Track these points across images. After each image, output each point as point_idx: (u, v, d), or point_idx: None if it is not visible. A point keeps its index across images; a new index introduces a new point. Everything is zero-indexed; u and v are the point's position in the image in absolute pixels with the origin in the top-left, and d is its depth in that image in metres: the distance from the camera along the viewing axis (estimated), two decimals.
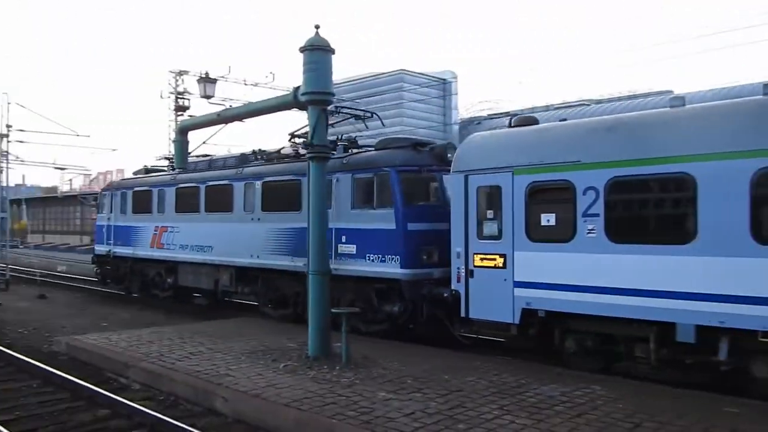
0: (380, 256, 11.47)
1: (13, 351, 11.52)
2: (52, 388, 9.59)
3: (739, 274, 7.28)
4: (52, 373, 10.04)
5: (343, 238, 12.03)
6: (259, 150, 15.07)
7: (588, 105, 26.23)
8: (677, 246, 7.78)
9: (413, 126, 28.15)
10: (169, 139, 28.84)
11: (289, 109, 11.46)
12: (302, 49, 10.29)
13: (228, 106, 15.54)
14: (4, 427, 7.29)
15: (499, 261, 9.58)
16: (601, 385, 8.42)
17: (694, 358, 7.97)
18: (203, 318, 15.06)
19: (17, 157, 27.27)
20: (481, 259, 9.85)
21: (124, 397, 8.63)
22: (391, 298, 11.56)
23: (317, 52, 10.27)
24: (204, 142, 17.04)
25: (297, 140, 13.36)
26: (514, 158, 9.41)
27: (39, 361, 10.70)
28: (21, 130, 25.16)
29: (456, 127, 29.83)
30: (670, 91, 23.01)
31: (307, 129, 10.36)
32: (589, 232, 8.63)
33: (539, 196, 9.15)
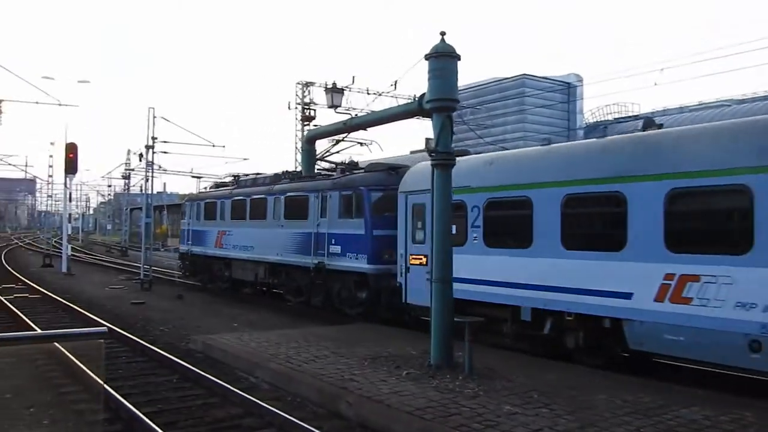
0: (355, 254, 15.08)
1: (156, 347, 12.32)
2: (189, 383, 10.09)
3: (555, 271, 10.36)
4: (189, 369, 10.57)
5: (333, 241, 15.70)
6: (285, 171, 19.44)
7: (729, 105, 24.37)
8: (521, 250, 11.00)
9: (536, 132, 27.45)
10: (296, 147, 29.85)
11: (414, 116, 11.50)
12: (428, 57, 10.28)
13: (353, 116, 15.82)
14: (150, 419, 7.78)
15: (424, 260, 12.79)
16: (752, 411, 7.84)
17: (531, 332, 11.10)
18: (325, 323, 15.43)
19: (159, 167, 29.47)
20: (414, 259, 13.23)
21: (254, 397, 8.94)
22: (362, 287, 15.02)
23: (443, 59, 10.23)
24: (328, 151, 17.43)
25: (323, 163, 17.50)
26: None
27: (178, 358, 11.31)
28: (164, 142, 27.15)
29: (581, 132, 28.71)
30: None
31: (330, 153, 14.70)
32: (474, 239, 11.97)
33: None
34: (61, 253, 43.23)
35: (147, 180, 25.11)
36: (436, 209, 10.25)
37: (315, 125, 28.91)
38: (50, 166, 39.70)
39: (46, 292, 21.89)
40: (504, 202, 11.53)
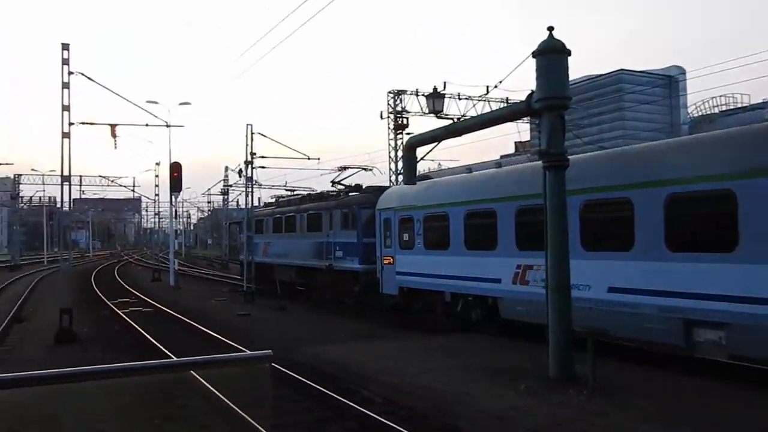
0: (351, 257, 20.34)
1: None
2: (301, 396, 9.98)
3: (462, 265, 14.78)
4: (301, 382, 10.52)
5: (337, 247, 21.09)
6: (308, 193, 25.63)
7: None
8: (443, 251, 15.44)
9: (635, 129, 26.05)
10: (389, 156, 29.81)
11: (522, 117, 11.09)
12: (535, 54, 9.85)
13: (453, 121, 15.59)
14: None
15: (391, 260, 17.74)
16: None
17: (449, 312, 15.42)
18: (429, 333, 15.19)
19: (256, 181, 30.25)
20: (385, 260, 18.05)
21: (368, 410, 8.76)
22: (356, 282, 20.34)
23: (551, 56, 9.76)
24: (422, 158, 17.50)
25: (337, 186, 23.79)
26: (396, 203, 17.76)
27: (289, 370, 11.28)
28: (262, 157, 27.82)
29: (686, 128, 27.02)
30: None
31: (344, 177, 21.39)
32: (418, 244, 16.63)
33: (403, 224, 17.26)
34: (167, 267, 46.10)
35: (247, 195, 25.72)
36: (551, 214, 9.81)
37: (408, 133, 28.80)
38: (156, 186, 41.89)
39: (158, 305, 22.78)
40: (434, 216, 16.11)
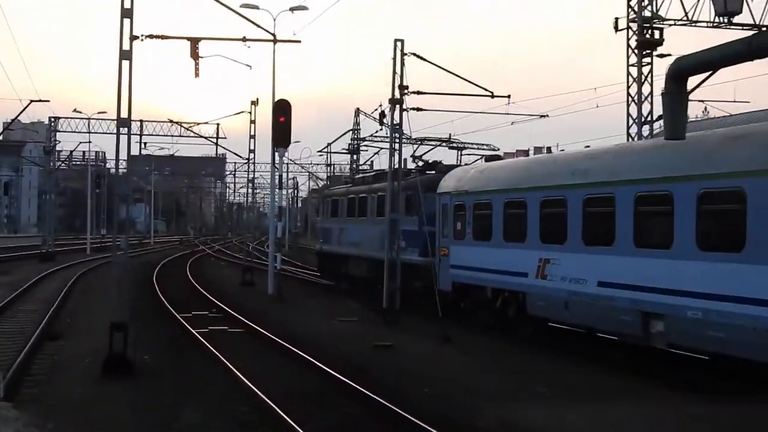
0: (412, 248, 28.20)
1: (424, 422, 12.02)
2: None
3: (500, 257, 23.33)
4: None
5: (401, 236, 27.07)
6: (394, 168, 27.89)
7: None
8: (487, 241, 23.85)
9: None
10: (627, 93, 28.52)
11: None
12: None
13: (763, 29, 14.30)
14: None
15: (446, 251, 25.72)
16: None
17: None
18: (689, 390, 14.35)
19: (406, 135, 30.23)
20: (442, 251, 26.01)
21: None
22: (418, 278, 27.94)
23: None
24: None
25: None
26: (453, 187, 25.83)
27: None
28: (417, 93, 27.67)
29: None
30: None
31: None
32: (468, 233, 24.54)
33: (457, 210, 25.27)
34: (264, 264, 46.92)
35: (392, 154, 25.51)
36: None
37: (661, 55, 27.31)
38: (251, 137, 41.82)
39: (252, 324, 23.28)
40: (482, 204, 23.71)
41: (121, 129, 16.96)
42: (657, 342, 16.34)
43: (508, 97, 29.79)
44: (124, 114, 16.60)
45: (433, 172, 28.76)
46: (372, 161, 64.52)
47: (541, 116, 34.92)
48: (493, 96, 28.96)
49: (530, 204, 21.10)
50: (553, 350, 20.05)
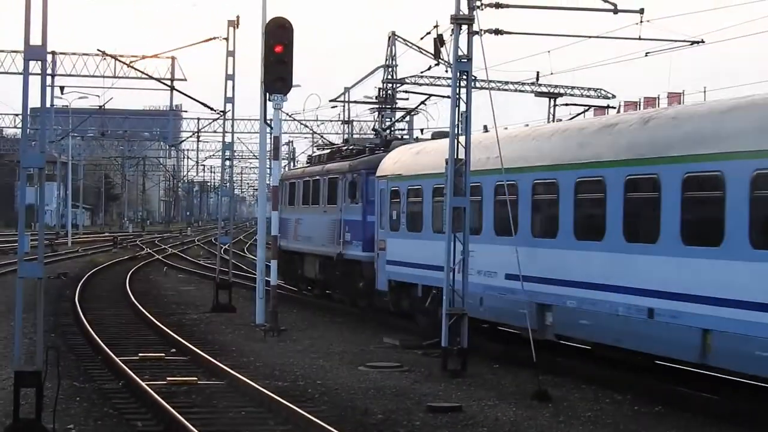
0: (357, 242, 35.81)
1: None
2: None
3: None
4: None
5: (346, 228, 35.96)
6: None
7: None
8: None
9: None
10: None
11: None
12: None
13: None
14: None
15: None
16: None
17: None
18: None
19: (475, 79, 29.92)
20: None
21: None
22: (362, 277, 35.99)
23: None
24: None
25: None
26: (390, 170, 34.15)
27: None
28: (497, 5, 27.19)
29: None
30: None
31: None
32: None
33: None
34: (249, 279, 48.02)
35: (458, 103, 25.10)
36: None
37: None
38: (228, 77, 40.77)
39: (234, 374, 23.06)
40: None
41: (31, 64, 16.64)
42: (548, 334, 24.27)
43: (641, 12, 29.26)
44: (36, 41, 16.27)
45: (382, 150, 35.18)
46: (412, 116, 64.17)
47: (693, 43, 34.14)
48: (616, 11, 28.49)
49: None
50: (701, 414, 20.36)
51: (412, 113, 61.48)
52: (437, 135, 33.53)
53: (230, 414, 19.57)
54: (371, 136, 64.23)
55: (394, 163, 31.85)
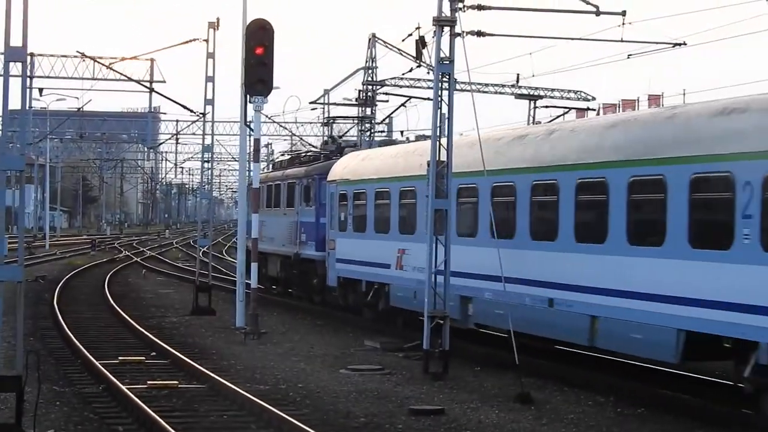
0: (311, 242, 40.65)
1: None
2: None
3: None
4: None
5: (302, 229, 41.79)
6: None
7: None
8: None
9: None
10: None
11: None
12: None
13: None
14: None
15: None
16: None
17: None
18: None
19: (456, 81, 29.97)
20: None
21: None
22: (316, 275, 41.44)
23: None
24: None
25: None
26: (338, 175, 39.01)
27: None
28: (478, 7, 27.12)
29: None
30: None
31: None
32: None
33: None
34: (229, 281, 47.90)
35: (439, 106, 25.07)
36: None
37: None
38: (208, 79, 40.58)
39: (215, 377, 22.99)
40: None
41: (11, 64, 16.56)
42: (470, 323, 28.67)
43: (623, 14, 29.23)
44: (16, 41, 16.17)
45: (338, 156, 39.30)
46: (391, 118, 64.13)
47: (675, 45, 34.08)
48: (598, 13, 28.46)
49: (393, 194, 32.54)
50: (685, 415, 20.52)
51: (391, 115, 61.71)
52: (384, 143, 39.81)
53: (212, 418, 19.56)
54: (353, 138, 64.80)
55: (342, 168, 36.39)
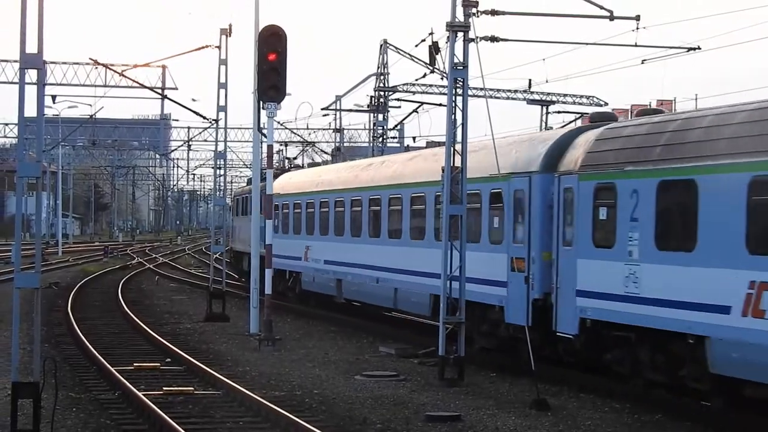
0: None
1: None
2: None
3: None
4: None
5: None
6: None
7: None
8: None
9: None
10: None
11: None
12: None
13: None
14: None
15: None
16: None
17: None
18: None
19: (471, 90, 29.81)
20: None
21: None
22: None
23: None
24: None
25: None
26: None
27: None
28: (492, 12, 26.94)
29: None
30: None
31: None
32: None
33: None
34: (242, 286, 48.05)
35: (453, 111, 24.94)
36: None
37: None
38: (221, 86, 40.58)
39: (230, 383, 22.92)
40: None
41: (27, 73, 16.48)
42: (341, 298, 40.49)
43: (637, 19, 29.08)
44: (32, 48, 16.11)
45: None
46: (402, 124, 64.06)
47: (689, 49, 33.94)
48: (612, 18, 28.31)
49: (302, 205, 44.73)
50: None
51: (403, 121, 61.78)
52: (311, 164, 51.12)
53: (228, 424, 19.53)
54: (364, 144, 65.40)
55: (279, 184, 45.32)
